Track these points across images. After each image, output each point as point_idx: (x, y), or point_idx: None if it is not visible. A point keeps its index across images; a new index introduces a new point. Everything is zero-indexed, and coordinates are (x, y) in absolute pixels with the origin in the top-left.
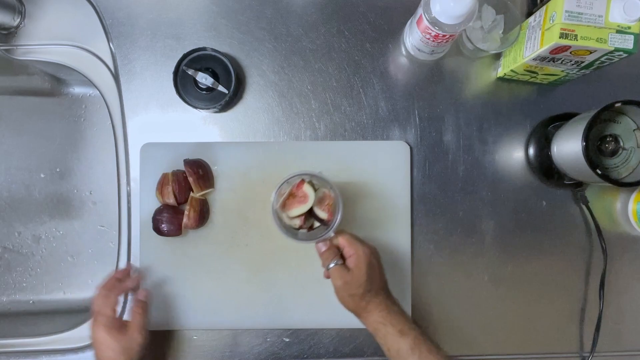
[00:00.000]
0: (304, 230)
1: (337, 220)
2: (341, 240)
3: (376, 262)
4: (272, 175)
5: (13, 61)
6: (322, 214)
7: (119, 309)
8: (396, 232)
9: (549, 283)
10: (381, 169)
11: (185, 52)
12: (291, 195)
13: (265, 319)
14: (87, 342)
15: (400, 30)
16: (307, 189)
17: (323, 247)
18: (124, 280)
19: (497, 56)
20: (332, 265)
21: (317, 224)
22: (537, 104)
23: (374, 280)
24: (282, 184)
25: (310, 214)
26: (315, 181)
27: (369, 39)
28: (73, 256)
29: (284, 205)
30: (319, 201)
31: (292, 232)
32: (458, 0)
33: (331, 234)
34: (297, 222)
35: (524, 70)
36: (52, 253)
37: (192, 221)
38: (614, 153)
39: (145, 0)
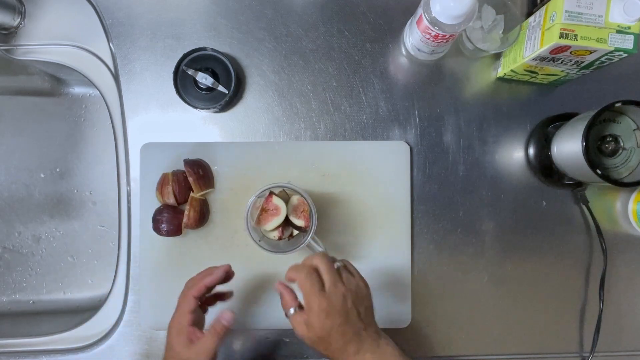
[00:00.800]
0: (285, 240)
1: (314, 226)
2: (295, 278)
3: (340, 306)
4: (272, 175)
5: (13, 61)
6: (298, 221)
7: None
8: (396, 232)
9: (548, 283)
10: (381, 169)
11: (185, 52)
12: (263, 210)
13: (265, 319)
14: (87, 342)
15: (400, 30)
16: (276, 201)
17: (282, 290)
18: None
19: (497, 56)
20: (291, 311)
21: (296, 231)
22: (537, 104)
23: (331, 332)
24: (254, 199)
25: (287, 223)
26: (287, 191)
27: (369, 39)
28: (73, 256)
29: (259, 221)
30: (295, 209)
31: (274, 244)
32: (458, 0)
33: (309, 239)
34: (276, 234)
35: (524, 70)
36: (52, 253)
37: (192, 221)
38: (614, 153)
39: (145, 0)
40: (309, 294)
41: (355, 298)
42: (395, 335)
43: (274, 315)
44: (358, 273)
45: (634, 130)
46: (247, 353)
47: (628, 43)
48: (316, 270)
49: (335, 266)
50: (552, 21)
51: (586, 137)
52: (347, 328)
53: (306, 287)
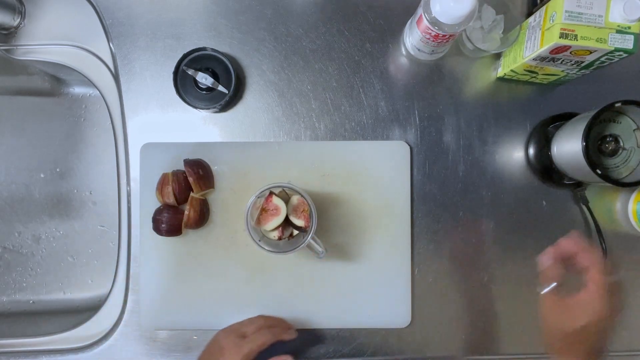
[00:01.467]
0: (285, 240)
1: (314, 226)
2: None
3: (606, 303)
4: (272, 175)
5: (13, 61)
6: (298, 221)
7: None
8: (396, 232)
9: None
10: (381, 169)
11: (185, 52)
12: (263, 210)
13: None
14: (87, 342)
15: (400, 30)
16: (276, 201)
17: (547, 260)
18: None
19: (497, 56)
20: (546, 289)
21: (296, 231)
22: (537, 104)
23: (576, 335)
24: (254, 199)
25: (287, 223)
26: (287, 191)
27: (369, 39)
28: (73, 256)
29: (259, 221)
30: (294, 209)
31: (274, 244)
32: (458, 0)
33: (309, 239)
34: (276, 234)
35: (524, 70)
36: (52, 253)
37: (192, 221)
38: (614, 153)
39: (145, 0)
40: (597, 271)
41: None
42: (395, 335)
43: (273, 315)
44: None
45: (634, 130)
46: None
47: (628, 43)
48: None
49: None
50: (552, 21)
51: (586, 137)
52: (601, 326)
53: (596, 264)
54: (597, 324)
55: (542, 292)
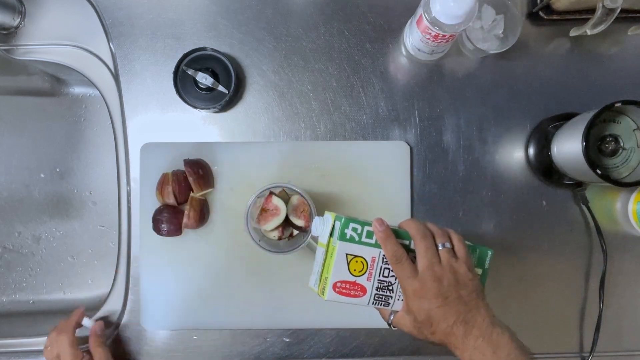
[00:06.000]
0: (285, 240)
1: None
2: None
3: (435, 288)
4: (272, 175)
5: (13, 61)
6: (298, 221)
7: None
8: None
9: (549, 283)
10: (381, 169)
11: (185, 52)
12: (263, 210)
13: (265, 319)
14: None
15: (400, 30)
16: (276, 201)
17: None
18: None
19: (500, 55)
20: (391, 318)
21: (296, 231)
22: (537, 104)
23: (431, 314)
24: (254, 199)
25: (287, 223)
26: (287, 191)
27: (369, 39)
28: (73, 256)
29: (259, 221)
30: (295, 209)
31: (274, 244)
32: (458, 0)
33: (309, 239)
34: (276, 234)
35: None
36: (52, 253)
37: (192, 221)
38: (614, 153)
39: (145, 0)
40: (401, 279)
41: (454, 282)
42: (395, 335)
43: (273, 316)
44: (466, 256)
45: (634, 130)
46: (246, 353)
47: None
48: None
49: (440, 247)
50: None
51: (586, 137)
52: (448, 310)
53: (397, 274)
54: (425, 298)
55: (392, 319)
